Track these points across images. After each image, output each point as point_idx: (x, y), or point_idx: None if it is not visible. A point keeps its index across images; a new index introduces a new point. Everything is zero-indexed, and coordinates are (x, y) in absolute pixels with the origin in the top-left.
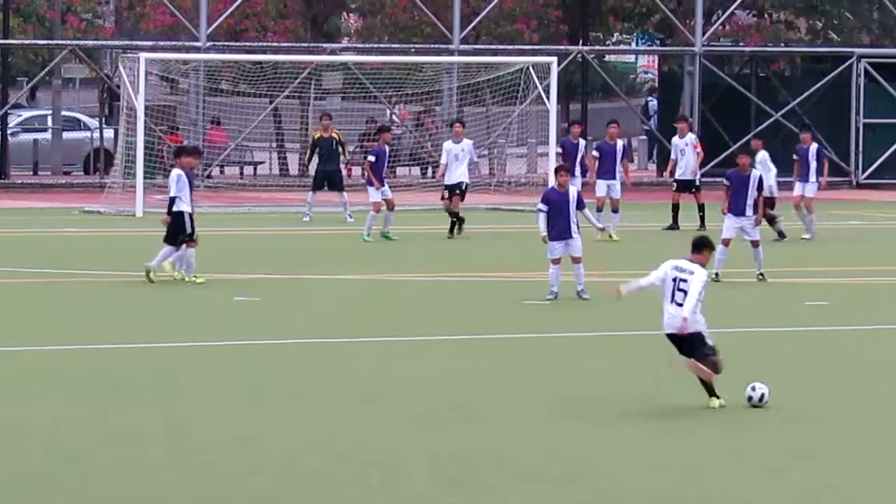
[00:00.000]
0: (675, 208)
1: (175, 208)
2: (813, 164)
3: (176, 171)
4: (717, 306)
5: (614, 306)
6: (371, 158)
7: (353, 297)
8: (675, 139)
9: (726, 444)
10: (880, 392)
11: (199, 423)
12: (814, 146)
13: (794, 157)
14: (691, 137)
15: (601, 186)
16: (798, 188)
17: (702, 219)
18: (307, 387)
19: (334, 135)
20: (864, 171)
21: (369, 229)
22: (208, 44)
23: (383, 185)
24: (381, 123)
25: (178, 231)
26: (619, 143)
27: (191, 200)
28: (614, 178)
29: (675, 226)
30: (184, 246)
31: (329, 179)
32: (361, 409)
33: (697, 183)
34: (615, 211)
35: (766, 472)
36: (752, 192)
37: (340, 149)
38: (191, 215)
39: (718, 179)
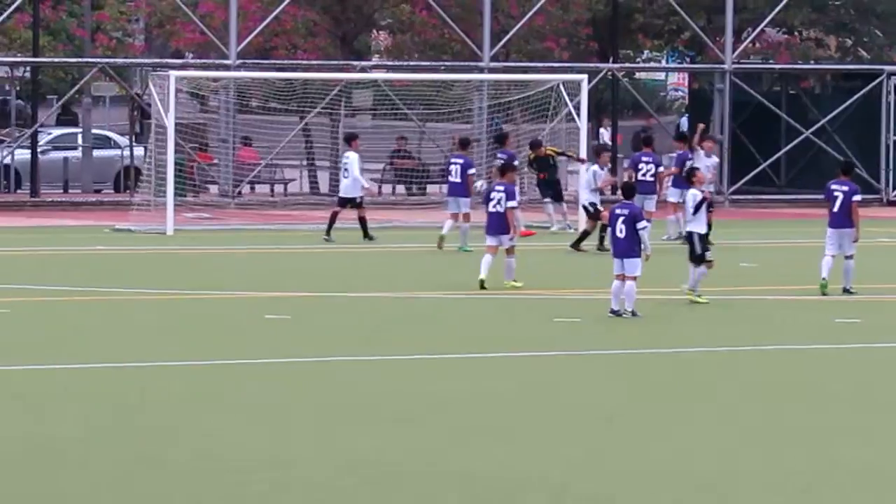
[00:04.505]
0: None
1: (687, 228)
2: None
3: (693, 192)
4: (745, 323)
5: (643, 325)
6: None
7: (384, 316)
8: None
9: (758, 464)
10: None
11: (230, 443)
12: (678, 152)
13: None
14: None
15: None
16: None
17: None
18: (339, 406)
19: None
20: (894, 189)
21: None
22: (238, 61)
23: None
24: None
25: (692, 251)
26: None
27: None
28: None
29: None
30: (694, 266)
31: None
32: (393, 429)
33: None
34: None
35: (799, 492)
36: None
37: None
38: (701, 236)
39: (750, 197)
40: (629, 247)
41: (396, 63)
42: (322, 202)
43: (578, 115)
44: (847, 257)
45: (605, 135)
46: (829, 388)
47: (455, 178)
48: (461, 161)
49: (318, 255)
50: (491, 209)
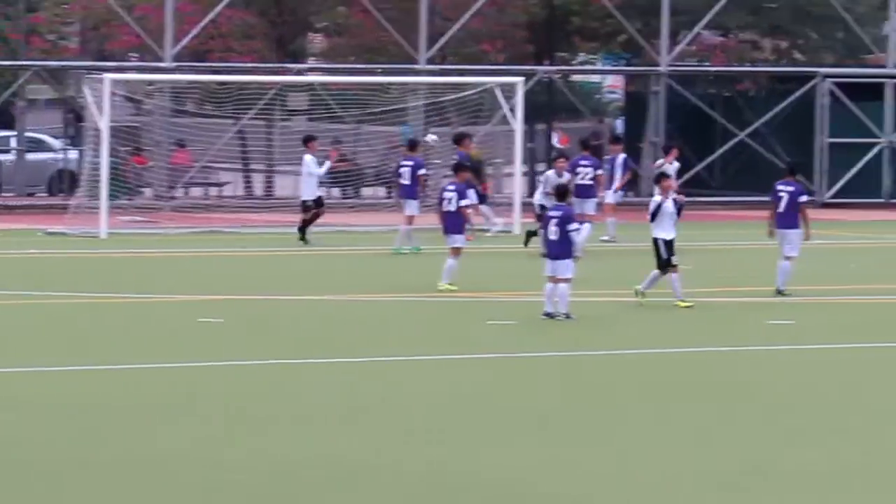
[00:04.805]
0: None
1: (653, 234)
2: (618, 174)
3: (655, 198)
4: (679, 325)
5: (577, 328)
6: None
7: (318, 318)
8: None
9: (694, 464)
10: (844, 412)
11: (163, 446)
12: (621, 157)
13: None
14: None
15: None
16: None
17: None
18: (272, 408)
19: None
20: (828, 191)
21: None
22: (174, 64)
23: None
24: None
25: (658, 256)
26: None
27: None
28: None
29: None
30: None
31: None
32: (330, 431)
33: None
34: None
35: (735, 492)
36: None
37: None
38: (667, 242)
39: (685, 199)
40: (560, 249)
41: (332, 66)
42: (256, 205)
43: (514, 117)
44: (786, 258)
45: (555, 137)
46: (761, 389)
47: (406, 180)
48: (411, 163)
49: (253, 259)
50: (444, 209)
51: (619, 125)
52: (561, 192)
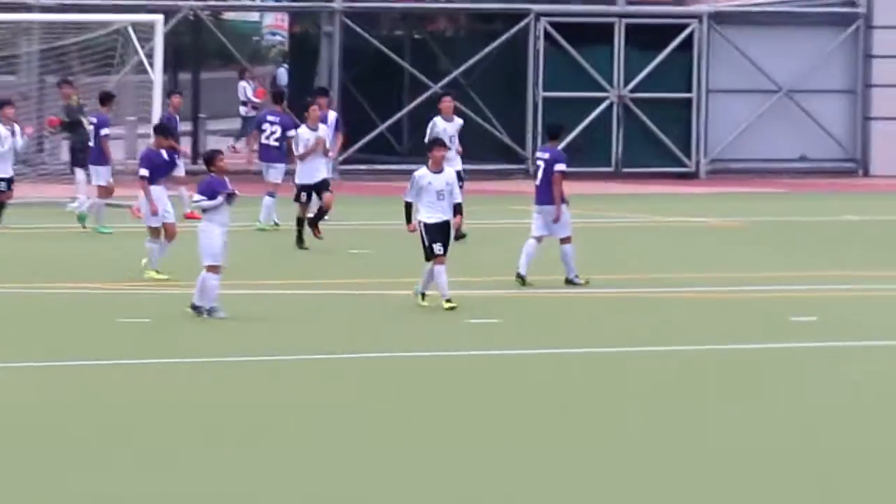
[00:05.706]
0: None
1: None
2: (330, 136)
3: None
4: (347, 324)
5: (226, 326)
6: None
7: None
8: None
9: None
10: (535, 419)
11: None
12: (332, 115)
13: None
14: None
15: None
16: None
17: None
18: None
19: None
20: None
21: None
22: None
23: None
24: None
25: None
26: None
27: None
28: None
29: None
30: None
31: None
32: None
33: None
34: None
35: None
36: None
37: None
38: (427, 225)
39: (363, 167)
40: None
41: None
42: None
43: (152, 64)
44: (561, 241)
45: (248, 88)
46: (448, 395)
47: (93, 141)
48: (95, 121)
49: None
50: None
51: (283, 74)
52: (207, 159)
